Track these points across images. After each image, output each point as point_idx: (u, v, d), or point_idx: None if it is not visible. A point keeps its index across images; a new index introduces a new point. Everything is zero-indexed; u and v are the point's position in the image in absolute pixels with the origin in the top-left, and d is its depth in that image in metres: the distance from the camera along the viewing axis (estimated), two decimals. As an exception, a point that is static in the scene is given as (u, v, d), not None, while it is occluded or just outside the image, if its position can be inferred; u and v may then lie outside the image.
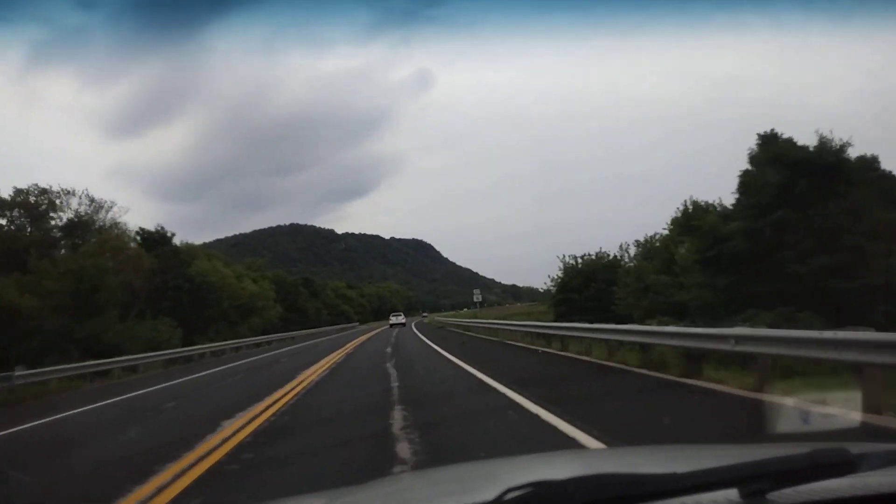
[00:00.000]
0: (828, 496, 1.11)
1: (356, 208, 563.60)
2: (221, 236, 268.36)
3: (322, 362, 16.56)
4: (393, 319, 58.02)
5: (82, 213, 32.95)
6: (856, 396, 3.88)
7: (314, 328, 55.90)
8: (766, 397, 5.77)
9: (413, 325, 55.89)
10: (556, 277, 31.82)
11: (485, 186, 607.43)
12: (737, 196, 19.90)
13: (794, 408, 4.04)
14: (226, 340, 31.66)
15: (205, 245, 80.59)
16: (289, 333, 41.66)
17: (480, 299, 42.92)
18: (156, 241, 34.02)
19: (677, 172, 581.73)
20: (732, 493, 1.09)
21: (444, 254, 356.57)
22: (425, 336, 27.53)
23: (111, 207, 33.91)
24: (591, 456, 2.83)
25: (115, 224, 34.30)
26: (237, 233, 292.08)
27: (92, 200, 33.44)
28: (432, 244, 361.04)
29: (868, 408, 4.37)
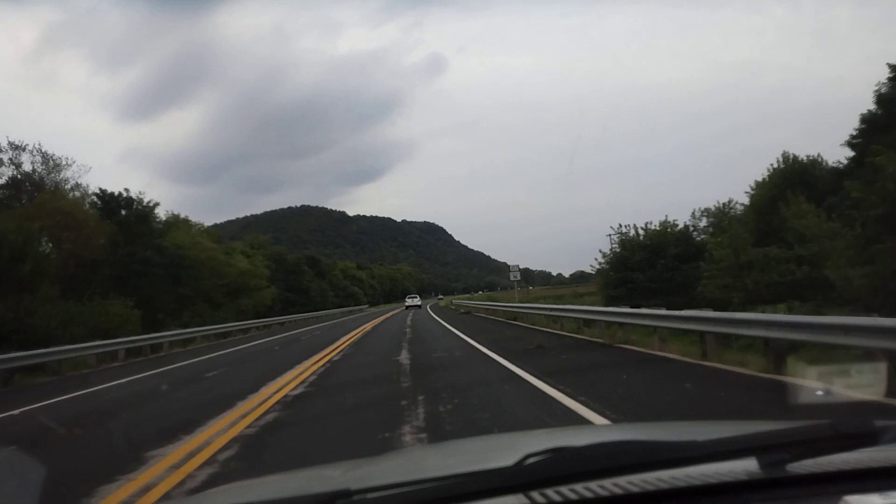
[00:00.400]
0: (848, 467, 1.08)
1: (368, 192, 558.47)
2: (232, 217, 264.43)
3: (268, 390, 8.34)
4: (409, 301, 63.61)
5: (31, 171, 27.48)
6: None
7: (319, 310, 50.46)
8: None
9: (428, 307, 54.92)
10: (609, 253, 25.82)
11: (497, 170, 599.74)
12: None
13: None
14: (201, 326, 26.03)
15: (215, 226, 73.97)
16: (279, 318, 35.62)
17: (518, 277, 36.39)
18: (119, 205, 28.30)
19: (690, 156, 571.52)
20: (751, 462, 1.07)
21: (456, 237, 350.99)
22: (458, 328, 19.22)
23: (70, 165, 28.36)
24: (611, 428, 2.78)
25: (77, 185, 28.79)
26: (248, 214, 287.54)
27: (46, 157, 27.94)
28: (444, 227, 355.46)
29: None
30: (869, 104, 18.34)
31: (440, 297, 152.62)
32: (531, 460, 1.04)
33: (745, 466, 1.07)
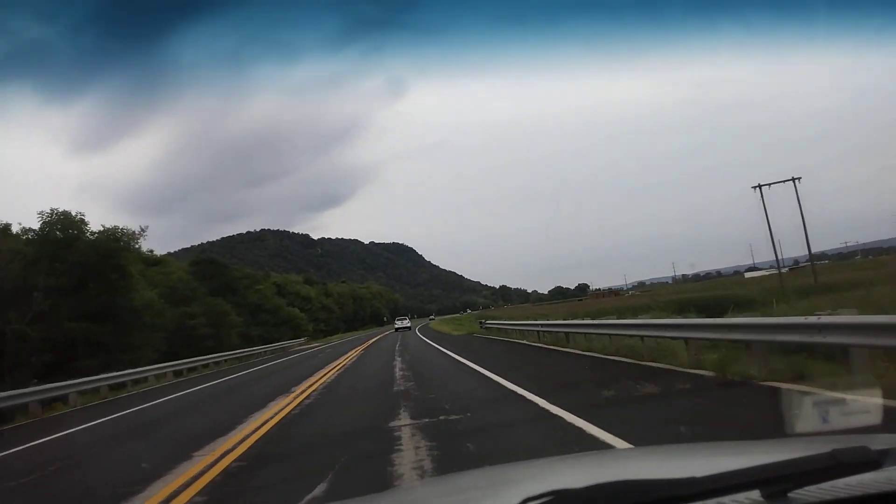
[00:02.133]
0: (851, 493, 1.09)
1: (333, 217, 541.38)
2: (187, 246, 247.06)
3: None
4: (398, 324, 62.08)
5: None
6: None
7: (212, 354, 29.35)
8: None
9: (417, 331, 47.86)
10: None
11: (465, 191, 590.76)
12: None
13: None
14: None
15: (169, 254, 62.49)
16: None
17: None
18: None
19: (651, 174, 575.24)
20: (754, 493, 1.08)
21: (427, 257, 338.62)
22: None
23: None
24: (609, 458, 2.66)
25: None
26: (204, 241, 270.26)
27: None
28: (414, 248, 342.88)
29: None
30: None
31: (432, 317, 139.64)
32: None
33: (749, 496, 1.08)
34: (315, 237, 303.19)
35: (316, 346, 41.58)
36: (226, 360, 28.90)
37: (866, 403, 2.02)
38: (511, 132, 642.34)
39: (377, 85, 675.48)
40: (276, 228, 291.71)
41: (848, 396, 2.19)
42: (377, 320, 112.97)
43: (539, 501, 1.04)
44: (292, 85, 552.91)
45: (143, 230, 28.62)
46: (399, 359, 18.02)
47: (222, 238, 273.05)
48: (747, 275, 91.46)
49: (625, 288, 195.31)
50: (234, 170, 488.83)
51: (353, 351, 25.97)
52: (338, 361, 20.43)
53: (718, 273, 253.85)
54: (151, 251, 38.10)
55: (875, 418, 1.78)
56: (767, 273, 77.45)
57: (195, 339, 32.34)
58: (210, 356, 27.97)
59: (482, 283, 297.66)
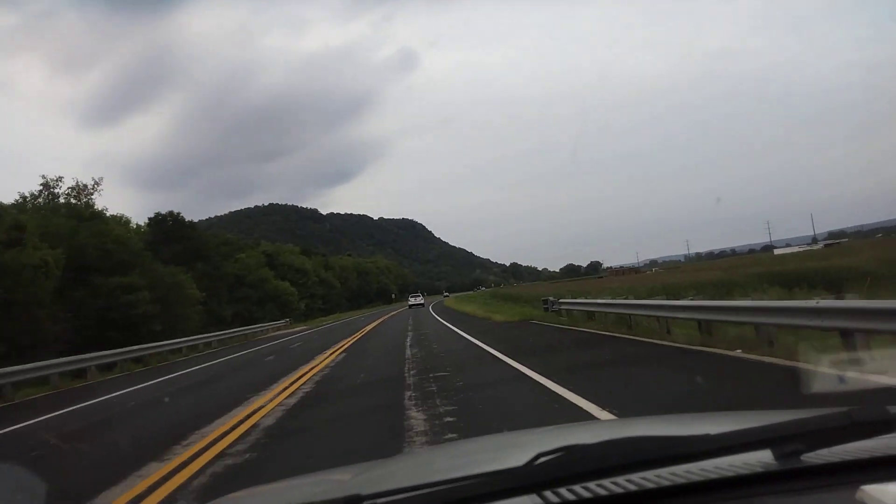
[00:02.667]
0: (864, 456, 1.06)
1: (342, 193, 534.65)
2: (195, 220, 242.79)
3: None
4: (412, 300, 62.26)
5: None
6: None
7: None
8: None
9: (431, 309, 44.05)
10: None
11: (476, 168, 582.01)
12: None
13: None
14: None
15: None
16: None
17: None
18: None
19: (669, 149, 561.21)
20: (766, 454, 1.06)
21: (437, 234, 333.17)
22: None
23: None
24: (621, 424, 2.70)
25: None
26: (212, 216, 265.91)
27: None
28: (423, 224, 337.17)
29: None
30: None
31: (446, 294, 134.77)
32: (542, 459, 1.03)
33: (760, 458, 1.06)
34: (324, 212, 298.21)
35: (290, 334, 31.48)
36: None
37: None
38: (523, 108, 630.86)
39: (387, 57, 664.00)
40: (284, 203, 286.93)
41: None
42: (385, 297, 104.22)
43: (551, 456, 1.03)
44: (301, 57, 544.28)
45: (96, 183, 29.31)
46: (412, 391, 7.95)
47: (230, 212, 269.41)
48: (777, 251, 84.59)
49: (640, 265, 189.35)
50: (244, 144, 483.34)
51: (359, 330, 25.56)
52: (350, 337, 19.37)
53: (733, 251, 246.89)
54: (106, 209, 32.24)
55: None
56: (802, 249, 71.81)
57: (133, 322, 24.80)
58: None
59: (491, 259, 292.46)
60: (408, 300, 66.29)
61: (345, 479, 1.64)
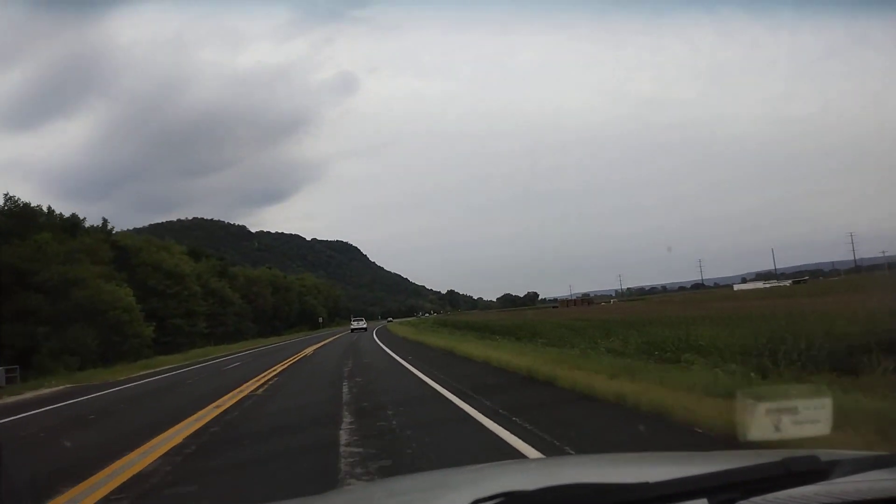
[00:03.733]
0: None
1: (274, 213, 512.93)
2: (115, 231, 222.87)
3: None
4: (354, 324, 59.83)
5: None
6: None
7: None
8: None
9: (376, 335, 37.74)
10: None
11: (413, 195, 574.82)
12: None
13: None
14: None
15: None
16: None
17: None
18: None
19: (595, 189, 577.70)
20: (702, 502, 1.07)
21: (372, 258, 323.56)
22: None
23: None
24: (559, 464, 2.62)
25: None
26: (130, 227, 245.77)
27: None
28: (358, 247, 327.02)
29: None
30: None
31: (390, 319, 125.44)
32: None
33: None
34: (252, 230, 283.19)
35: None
36: None
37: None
38: (460, 140, 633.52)
39: (326, 79, 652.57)
40: (210, 218, 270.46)
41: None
42: (310, 321, 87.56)
43: (490, 503, 1.01)
44: (237, 73, 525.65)
45: None
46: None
47: (150, 225, 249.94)
48: (737, 287, 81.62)
49: (591, 295, 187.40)
50: (172, 158, 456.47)
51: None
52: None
53: (664, 288, 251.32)
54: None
55: None
56: (768, 285, 68.77)
57: None
58: None
59: (427, 287, 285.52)
60: (350, 323, 65.41)
61: None
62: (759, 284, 72.89)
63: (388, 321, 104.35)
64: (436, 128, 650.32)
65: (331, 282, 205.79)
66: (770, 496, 1.10)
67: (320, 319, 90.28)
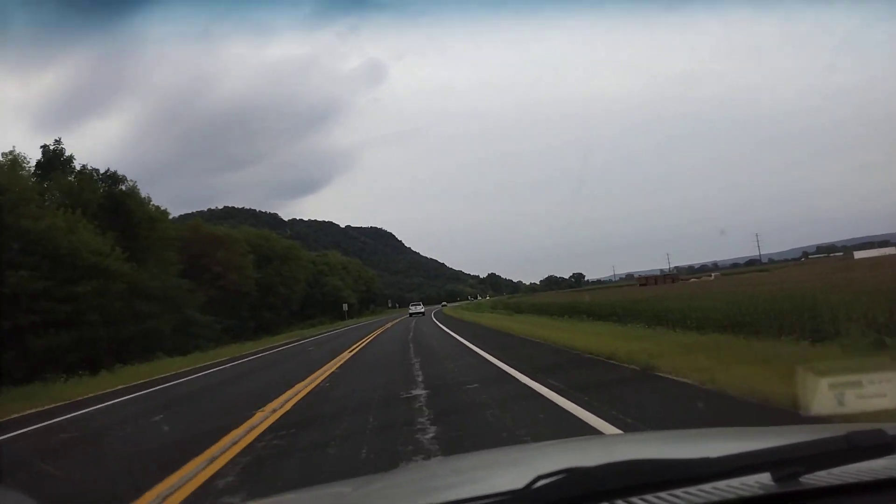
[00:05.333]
0: (863, 478, 1.07)
1: (307, 205, 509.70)
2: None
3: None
4: (412, 309, 60.80)
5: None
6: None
7: None
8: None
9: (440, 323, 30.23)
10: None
11: (446, 180, 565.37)
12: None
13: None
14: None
15: None
16: None
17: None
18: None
19: (633, 167, 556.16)
20: (765, 476, 1.07)
21: (407, 244, 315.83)
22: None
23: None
24: (620, 441, 2.60)
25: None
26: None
27: None
28: (393, 233, 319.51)
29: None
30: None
31: (444, 304, 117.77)
32: (543, 482, 1.02)
33: (759, 480, 1.07)
34: (285, 218, 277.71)
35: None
36: None
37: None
38: (491, 122, 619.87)
39: (354, 68, 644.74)
40: (241, 207, 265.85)
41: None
42: (333, 310, 67.32)
43: (551, 479, 1.02)
44: (265, 66, 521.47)
45: None
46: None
47: (180, 215, 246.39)
48: (859, 255, 68.18)
49: (615, 275, 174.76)
50: (205, 154, 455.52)
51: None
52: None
53: (715, 265, 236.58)
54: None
55: None
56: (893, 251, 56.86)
57: None
58: None
59: (464, 271, 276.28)
60: (409, 308, 66.46)
61: (345, 492, 1.64)
62: (889, 251, 60.97)
63: (443, 305, 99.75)
64: (464, 113, 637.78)
65: (368, 270, 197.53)
66: (835, 470, 1.07)
67: (345, 307, 65.11)
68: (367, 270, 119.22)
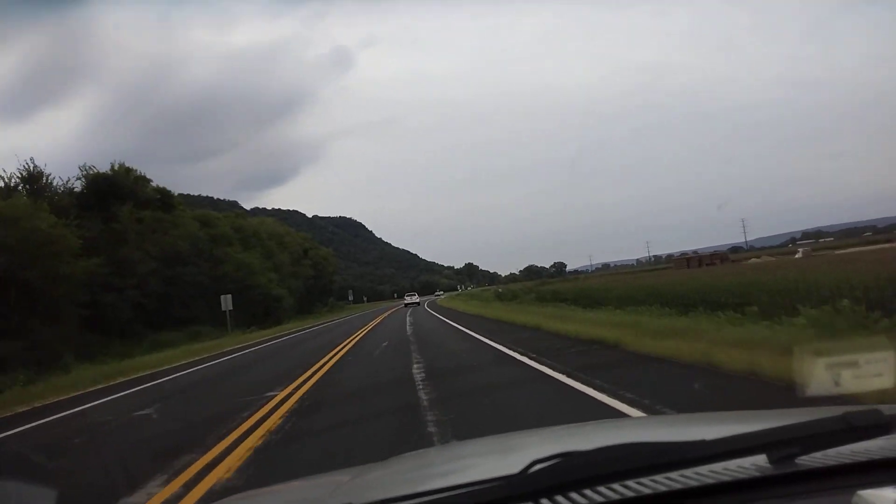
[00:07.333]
0: (859, 458, 1.07)
1: (275, 197, 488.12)
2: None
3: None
4: (408, 300, 58.98)
5: None
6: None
7: None
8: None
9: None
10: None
11: (418, 171, 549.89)
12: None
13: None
14: None
15: None
16: None
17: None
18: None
19: (603, 156, 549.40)
20: (761, 458, 1.06)
21: (378, 234, 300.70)
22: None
23: None
24: (616, 426, 2.64)
25: None
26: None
27: None
28: (364, 223, 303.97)
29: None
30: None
31: (439, 293, 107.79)
32: (538, 467, 1.02)
33: (756, 461, 1.06)
34: (247, 207, 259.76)
35: None
36: None
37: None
38: (464, 111, 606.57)
39: (321, 55, 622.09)
40: (197, 194, 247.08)
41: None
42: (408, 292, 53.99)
43: (547, 464, 1.02)
44: (228, 54, 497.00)
45: None
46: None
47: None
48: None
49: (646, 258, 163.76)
50: (167, 145, 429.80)
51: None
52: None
53: (696, 252, 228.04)
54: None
55: None
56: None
57: None
58: None
59: (438, 262, 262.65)
60: (404, 298, 62.34)
61: (343, 481, 1.63)
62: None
63: (437, 295, 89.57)
64: (437, 102, 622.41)
65: (335, 259, 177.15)
66: (831, 451, 1.07)
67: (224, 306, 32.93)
68: (319, 248, 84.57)
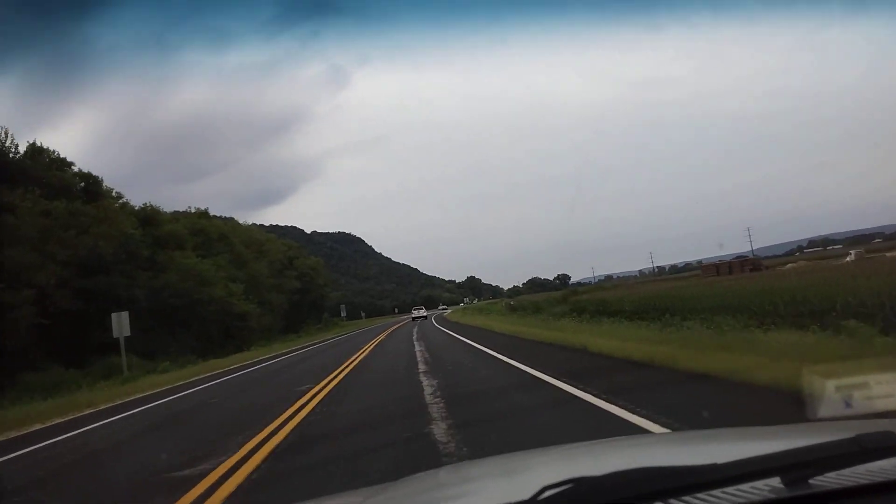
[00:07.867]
0: (873, 479, 1.07)
1: (272, 215, 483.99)
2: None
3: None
4: (415, 313, 57.62)
5: None
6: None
7: None
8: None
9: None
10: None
11: (416, 187, 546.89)
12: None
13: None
14: None
15: None
16: None
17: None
18: None
19: (600, 172, 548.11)
20: (775, 480, 1.07)
21: (378, 249, 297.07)
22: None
23: None
24: (628, 445, 2.45)
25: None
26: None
27: None
28: (363, 238, 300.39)
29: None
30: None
31: (444, 307, 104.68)
32: (549, 493, 1.01)
33: (770, 483, 1.07)
34: (242, 222, 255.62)
35: None
36: None
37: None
38: (459, 129, 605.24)
39: (316, 74, 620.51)
40: (195, 209, 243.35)
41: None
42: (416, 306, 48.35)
43: (558, 489, 1.01)
44: (224, 73, 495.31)
45: None
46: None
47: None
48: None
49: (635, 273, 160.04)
50: (163, 165, 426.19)
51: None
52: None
53: (699, 263, 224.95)
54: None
55: None
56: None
57: None
58: None
59: (439, 276, 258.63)
60: (411, 313, 60.07)
61: (356, 502, 1.59)
62: None
63: (443, 309, 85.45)
64: (433, 117, 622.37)
65: (334, 276, 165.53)
66: (844, 472, 1.08)
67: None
68: (306, 257, 73.15)
